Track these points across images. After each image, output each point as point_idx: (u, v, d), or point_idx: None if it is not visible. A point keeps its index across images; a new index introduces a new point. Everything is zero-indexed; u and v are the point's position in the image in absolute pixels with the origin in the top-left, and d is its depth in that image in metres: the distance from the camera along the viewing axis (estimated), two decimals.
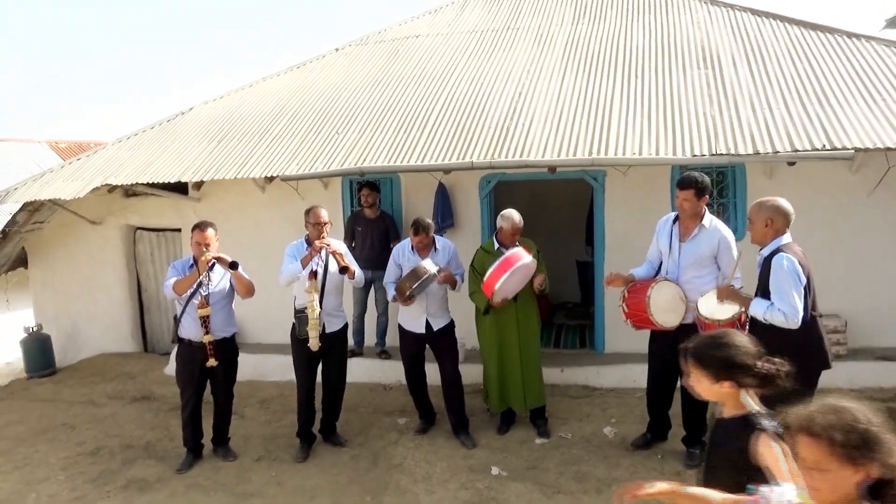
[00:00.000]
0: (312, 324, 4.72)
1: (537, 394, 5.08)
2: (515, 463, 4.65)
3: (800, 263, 3.36)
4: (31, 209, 7.70)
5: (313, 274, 4.72)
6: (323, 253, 4.78)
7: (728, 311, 3.72)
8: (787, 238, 3.47)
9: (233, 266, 4.62)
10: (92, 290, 8.20)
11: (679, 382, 4.49)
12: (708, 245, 4.14)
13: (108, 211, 7.99)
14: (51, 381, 7.55)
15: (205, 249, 4.60)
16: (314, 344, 4.76)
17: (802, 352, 3.30)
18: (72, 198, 6.63)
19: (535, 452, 4.81)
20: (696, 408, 4.40)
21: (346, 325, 5.14)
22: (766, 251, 3.50)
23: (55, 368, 7.95)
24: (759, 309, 3.43)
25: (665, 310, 4.12)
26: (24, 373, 8.02)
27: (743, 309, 3.65)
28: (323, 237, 4.76)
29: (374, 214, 6.59)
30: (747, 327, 3.66)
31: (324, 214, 4.83)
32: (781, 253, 3.38)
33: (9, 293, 10.22)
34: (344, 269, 4.74)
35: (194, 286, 4.66)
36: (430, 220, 5.00)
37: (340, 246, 5.00)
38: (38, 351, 7.86)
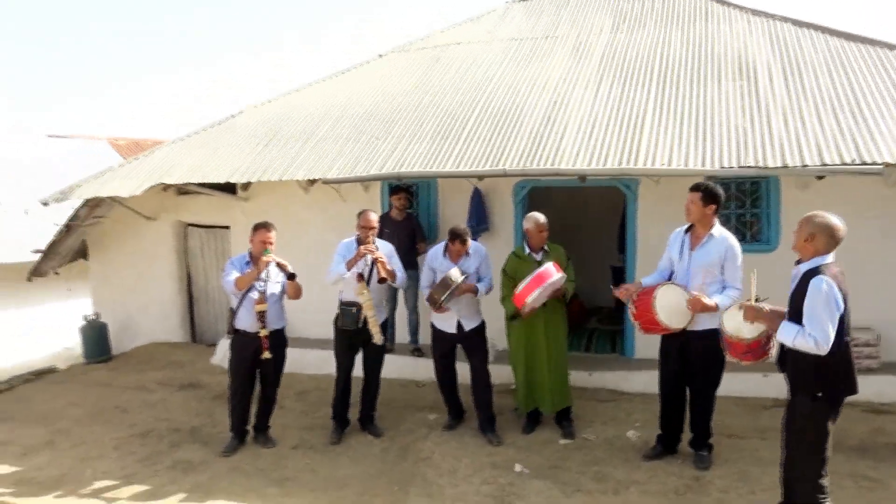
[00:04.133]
0: (373, 321, 5.06)
1: (563, 396, 5.23)
2: (538, 461, 4.81)
3: (838, 287, 3.23)
4: (92, 205, 8.20)
5: (360, 276, 5.02)
6: (368, 256, 5.03)
7: (754, 330, 3.66)
8: (829, 258, 3.32)
9: (291, 277, 5.00)
10: (146, 282, 8.68)
11: (688, 389, 4.61)
12: (717, 253, 4.28)
13: (162, 208, 8.45)
14: (106, 367, 8.03)
15: (267, 249, 4.90)
16: (378, 339, 5.12)
17: (832, 377, 3.32)
18: (129, 195, 7.06)
19: (558, 452, 4.96)
20: (702, 412, 4.56)
21: (387, 320, 5.47)
22: (804, 267, 3.38)
23: (111, 355, 8.44)
24: (787, 335, 3.31)
25: (671, 311, 4.21)
26: (82, 358, 8.54)
27: (769, 331, 3.61)
28: (369, 240, 5.04)
29: (402, 217, 6.84)
30: (775, 347, 3.64)
31: (373, 218, 5.11)
32: (821, 275, 3.22)
33: (70, 282, 10.84)
34: (383, 280, 5.04)
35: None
36: (466, 229, 5.20)
37: (386, 248, 5.26)
38: (96, 338, 8.36)
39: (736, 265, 4.30)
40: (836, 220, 3.31)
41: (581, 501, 4.21)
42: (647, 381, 6.04)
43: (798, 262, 3.48)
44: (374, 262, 5.03)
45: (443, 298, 4.91)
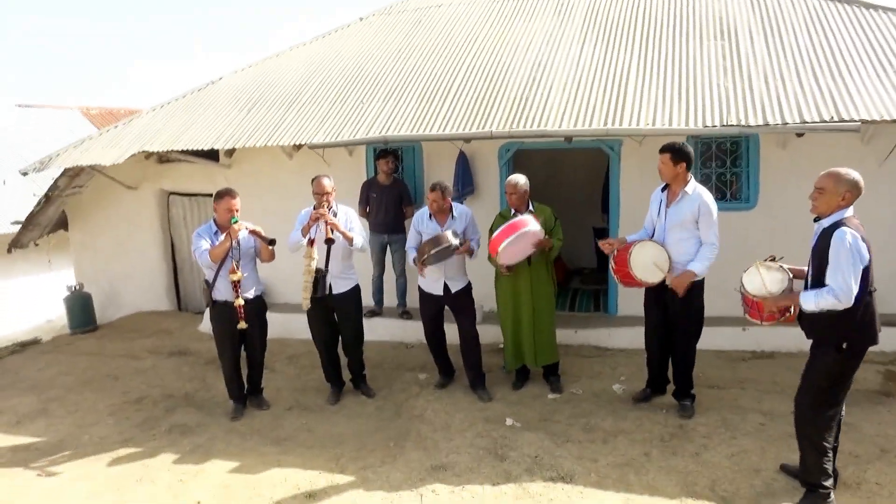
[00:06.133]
0: (305, 286, 5.04)
1: (549, 351, 5.37)
2: (529, 415, 4.97)
3: (862, 239, 3.25)
4: (72, 174, 8.08)
5: (311, 242, 5.00)
6: (322, 222, 4.94)
7: (778, 286, 3.62)
8: (849, 211, 3.34)
9: (271, 243, 4.93)
10: (128, 252, 8.63)
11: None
12: (689, 209, 4.43)
13: (144, 176, 8.36)
14: (93, 337, 8.02)
15: (234, 216, 4.84)
16: (305, 304, 5.11)
17: (856, 328, 3.32)
18: (111, 164, 6.98)
19: (547, 406, 5.12)
20: (684, 363, 4.76)
21: (355, 287, 5.36)
22: (826, 222, 3.37)
23: (96, 325, 8.43)
24: (809, 302, 3.34)
25: (645, 267, 4.46)
26: (66, 329, 8.52)
27: (790, 283, 3.61)
28: (323, 206, 4.97)
29: (388, 181, 6.85)
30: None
31: (326, 184, 5.02)
32: (844, 227, 3.24)
33: (50, 254, 10.73)
34: (329, 241, 4.91)
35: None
36: (447, 184, 5.24)
37: (348, 213, 5.21)
38: (81, 308, 8.33)
39: (710, 221, 4.41)
40: (859, 175, 3.34)
41: (572, 450, 4.37)
42: (631, 337, 6.23)
43: (817, 220, 3.46)
44: (326, 224, 4.93)
45: (432, 253, 4.93)
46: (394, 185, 6.86)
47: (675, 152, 4.38)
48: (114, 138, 7.49)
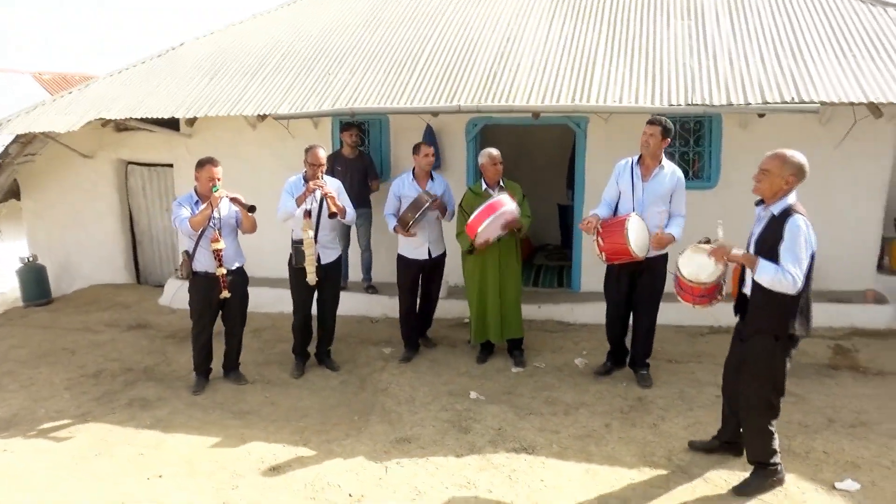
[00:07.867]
0: (309, 259, 5.05)
1: (514, 326, 5.43)
2: (492, 388, 5.03)
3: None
4: (24, 141, 7.78)
5: (308, 213, 5.00)
6: (318, 192, 5.01)
7: (713, 274, 3.62)
8: (793, 197, 3.31)
9: (251, 209, 4.85)
10: (84, 223, 8.38)
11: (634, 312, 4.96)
12: (669, 183, 4.60)
13: (100, 145, 8.10)
14: (47, 310, 7.80)
15: (216, 185, 4.76)
16: (312, 279, 5.10)
17: (796, 316, 3.30)
18: (66, 131, 6.73)
19: (510, 380, 5.20)
20: (649, 331, 4.93)
21: (340, 257, 5.49)
22: (775, 209, 3.31)
23: (51, 298, 8.20)
24: (767, 273, 3.22)
25: (641, 241, 4.51)
26: (19, 302, 8.26)
27: (724, 269, 3.61)
28: (318, 177, 5.00)
29: (354, 154, 6.78)
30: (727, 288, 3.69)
31: (322, 155, 5.05)
32: (797, 215, 3.22)
33: (0, 224, 10.34)
34: (333, 215, 5.04)
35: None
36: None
37: (334, 184, 5.25)
38: (35, 280, 8.09)
39: (683, 193, 4.68)
40: (805, 159, 3.27)
41: (534, 423, 4.44)
42: (593, 313, 6.32)
43: (759, 203, 3.43)
44: (324, 197, 5.02)
45: (416, 218, 5.04)
46: (359, 158, 6.79)
47: (665, 128, 4.50)
48: (69, 104, 7.21)
